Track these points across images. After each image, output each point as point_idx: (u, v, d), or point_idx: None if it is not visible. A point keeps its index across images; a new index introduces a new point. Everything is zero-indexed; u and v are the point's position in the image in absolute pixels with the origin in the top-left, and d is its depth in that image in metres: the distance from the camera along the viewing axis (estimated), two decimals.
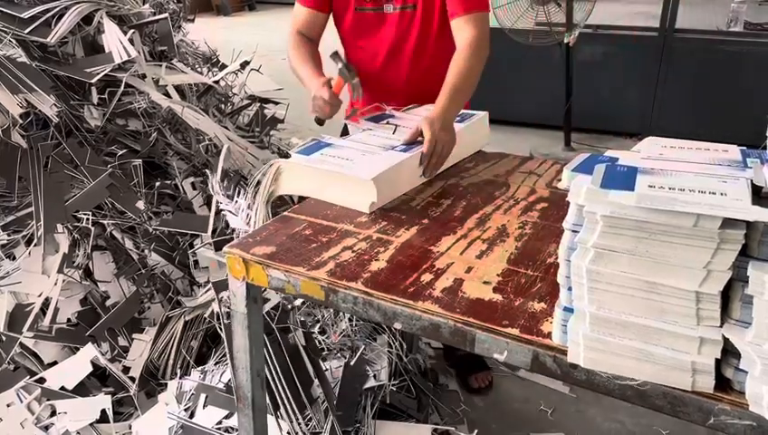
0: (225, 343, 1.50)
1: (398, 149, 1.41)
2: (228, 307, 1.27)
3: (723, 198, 0.69)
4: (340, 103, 1.60)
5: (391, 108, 1.73)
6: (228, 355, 1.49)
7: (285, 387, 1.51)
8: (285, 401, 1.51)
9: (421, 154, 1.40)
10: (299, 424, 1.51)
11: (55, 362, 1.77)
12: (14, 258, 1.82)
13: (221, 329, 1.61)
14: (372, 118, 1.63)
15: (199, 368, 1.76)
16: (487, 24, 1.65)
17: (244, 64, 2.82)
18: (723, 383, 0.75)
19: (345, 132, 1.73)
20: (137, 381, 1.78)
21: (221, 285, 1.68)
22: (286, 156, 1.43)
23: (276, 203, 1.42)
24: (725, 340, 0.72)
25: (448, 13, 1.65)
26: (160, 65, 2.35)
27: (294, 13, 1.81)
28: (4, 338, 1.73)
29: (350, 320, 1.83)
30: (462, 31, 1.61)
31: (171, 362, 1.86)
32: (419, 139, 1.43)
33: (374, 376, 1.72)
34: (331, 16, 1.80)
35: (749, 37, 4.18)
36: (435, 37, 1.73)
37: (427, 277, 1.03)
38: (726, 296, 0.72)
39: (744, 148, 0.86)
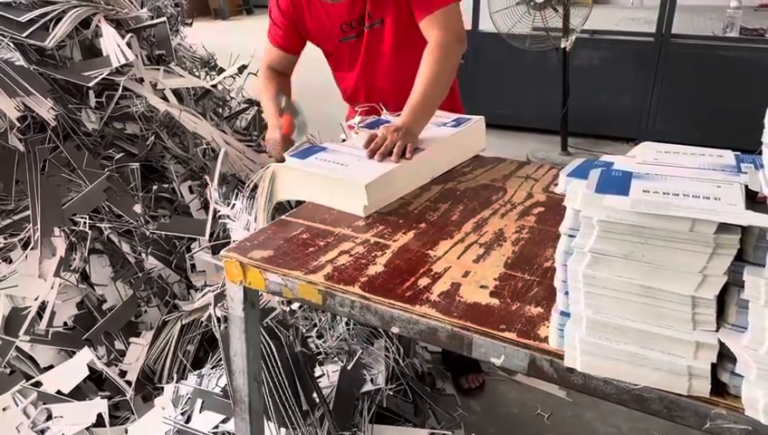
0: (222, 349, 1.50)
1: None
2: (225, 311, 1.27)
3: (717, 203, 0.69)
4: (292, 143, 1.60)
5: (388, 114, 1.73)
6: (224, 360, 1.49)
7: (282, 393, 1.51)
8: (282, 407, 1.51)
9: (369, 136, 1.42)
10: (294, 429, 1.50)
11: (52, 366, 1.76)
12: (10, 262, 1.82)
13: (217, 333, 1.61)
14: (368, 124, 1.63)
15: (196, 372, 1.75)
16: (455, 17, 1.59)
17: (242, 68, 2.83)
18: (719, 388, 0.76)
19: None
20: (133, 385, 1.78)
21: (219, 297, 1.68)
22: (283, 160, 1.43)
23: (274, 206, 1.42)
24: (721, 344, 0.72)
25: (415, 18, 1.62)
26: (158, 69, 2.35)
27: (265, 47, 1.83)
28: (0, 342, 1.72)
29: (347, 324, 1.83)
30: (428, 33, 1.58)
31: (168, 366, 1.85)
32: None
33: (371, 380, 1.72)
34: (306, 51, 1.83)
35: (745, 43, 4.20)
36: (413, 46, 1.67)
37: (424, 281, 1.03)
38: (722, 301, 0.72)
39: (739, 153, 0.87)
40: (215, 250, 1.97)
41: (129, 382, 1.79)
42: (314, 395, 1.56)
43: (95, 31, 2.17)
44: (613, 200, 0.71)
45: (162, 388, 1.76)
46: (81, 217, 1.86)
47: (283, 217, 1.31)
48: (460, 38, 1.59)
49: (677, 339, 0.74)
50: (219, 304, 1.67)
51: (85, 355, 1.74)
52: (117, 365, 1.81)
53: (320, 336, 1.81)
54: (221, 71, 3.01)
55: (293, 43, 1.79)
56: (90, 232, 1.85)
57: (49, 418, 1.68)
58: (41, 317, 1.76)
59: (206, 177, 2.02)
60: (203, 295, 1.90)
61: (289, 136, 1.62)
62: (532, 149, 4.35)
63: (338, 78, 1.92)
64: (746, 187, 0.74)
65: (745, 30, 4.31)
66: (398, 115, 1.71)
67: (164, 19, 2.47)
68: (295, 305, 1.76)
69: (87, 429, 1.67)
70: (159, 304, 1.94)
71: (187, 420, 1.60)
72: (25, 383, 1.71)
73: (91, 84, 1.99)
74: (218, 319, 1.67)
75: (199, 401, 1.62)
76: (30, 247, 1.80)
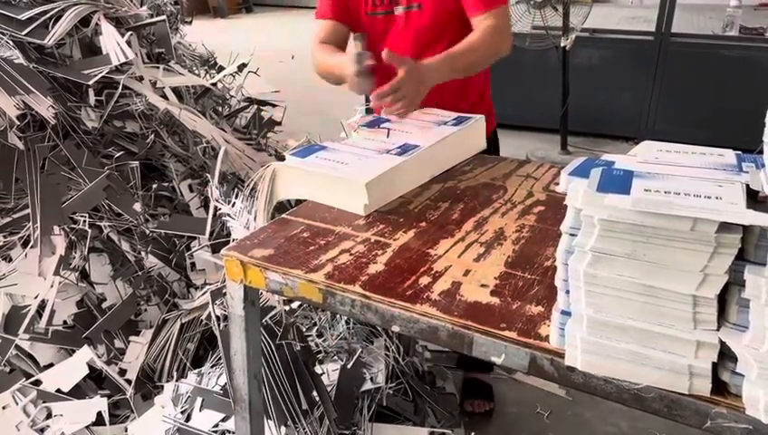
0: (221, 348, 1.50)
1: (394, 152, 1.41)
2: (225, 310, 1.27)
3: (718, 202, 0.69)
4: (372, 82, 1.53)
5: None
6: (224, 359, 1.49)
7: (282, 391, 1.51)
8: (282, 406, 1.51)
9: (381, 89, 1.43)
10: (296, 428, 1.50)
11: (51, 365, 1.76)
12: (10, 260, 1.82)
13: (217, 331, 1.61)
14: (367, 123, 1.63)
15: (196, 371, 1.75)
16: (507, 17, 1.63)
17: (242, 66, 2.83)
18: (719, 387, 0.76)
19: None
20: (133, 384, 1.78)
21: (217, 293, 1.68)
22: (282, 158, 1.43)
23: (274, 205, 1.42)
24: (722, 343, 0.72)
25: (466, 11, 1.62)
26: (158, 67, 2.35)
27: (314, 29, 1.76)
28: (0, 340, 1.72)
29: (347, 323, 1.83)
30: (485, 22, 1.59)
31: (168, 364, 1.85)
32: (414, 142, 1.44)
33: (371, 379, 1.72)
34: None
35: (744, 42, 4.20)
36: (446, 40, 1.65)
37: (424, 280, 1.03)
38: (723, 300, 0.72)
39: (740, 152, 0.86)
40: (214, 249, 1.97)
41: (128, 381, 1.79)
42: (314, 393, 1.56)
43: (95, 29, 2.17)
44: (614, 199, 0.71)
45: (162, 386, 1.77)
46: (81, 216, 1.86)
47: (283, 215, 1.31)
48: (506, 37, 1.61)
49: (678, 338, 0.74)
50: (218, 302, 1.67)
51: (85, 354, 1.74)
52: (117, 364, 1.81)
53: (320, 335, 1.81)
54: (221, 69, 3.01)
55: (342, 11, 1.72)
56: (89, 230, 1.84)
57: (49, 416, 1.68)
58: (40, 316, 1.76)
59: (207, 174, 2.02)
60: (203, 294, 1.90)
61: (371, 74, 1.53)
62: (531, 148, 4.34)
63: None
64: (747, 186, 0.74)
65: (745, 29, 4.32)
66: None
67: (163, 17, 2.47)
68: (295, 304, 1.76)
69: (87, 427, 1.67)
70: (159, 302, 1.94)
71: (187, 419, 1.60)
72: (25, 382, 1.71)
73: (90, 82, 1.99)
74: (218, 317, 1.67)
75: (199, 400, 1.62)
76: (30, 246, 1.80)
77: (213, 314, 1.65)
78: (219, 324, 1.65)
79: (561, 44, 3.92)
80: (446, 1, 1.64)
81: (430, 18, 1.66)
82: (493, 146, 1.83)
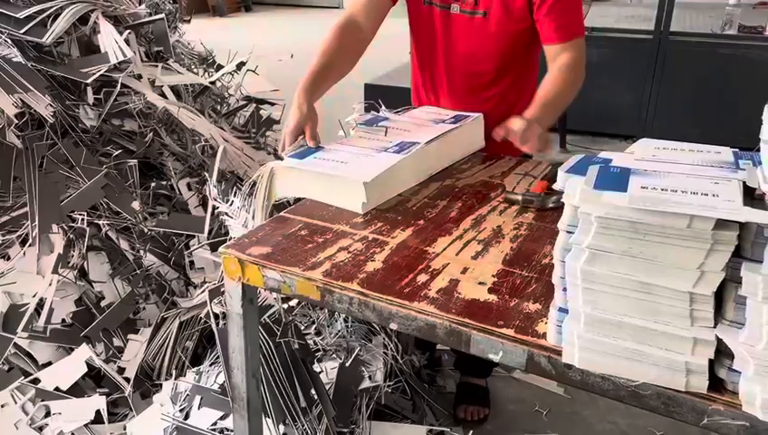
0: (219, 346, 1.50)
1: (392, 150, 1.41)
2: (224, 308, 1.27)
3: (715, 200, 0.69)
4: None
5: (386, 110, 1.72)
6: (222, 357, 1.49)
7: (280, 389, 1.51)
8: (281, 404, 1.51)
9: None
10: (294, 426, 1.50)
11: (50, 363, 1.76)
12: (8, 258, 1.81)
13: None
14: (365, 122, 1.63)
15: (194, 369, 1.75)
16: (583, 50, 1.54)
17: (241, 65, 2.82)
18: (716, 384, 0.76)
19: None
20: (131, 382, 1.78)
21: (216, 292, 1.68)
22: (281, 157, 1.43)
23: (272, 203, 1.42)
24: (719, 340, 0.72)
25: (541, 37, 1.53)
26: (156, 66, 2.35)
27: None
28: None
29: (345, 321, 1.83)
30: (558, 56, 1.52)
31: (166, 362, 1.85)
32: (411, 140, 1.44)
33: (369, 377, 1.72)
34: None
35: (743, 40, 4.20)
36: (508, 57, 1.59)
37: (422, 278, 1.03)
38: (720, 297, 0.72)
39: (737, 150, 0.87)
40: (213, 247, 1.96)
41: (127, 379, 1.78)
42: (312, 392, 1.56)
43: (93, 27, 2.16)
44: (611, 197, 0.72)
45: (161, 385, 1.77)
46: (80, 214, 1.85)
47: (281, 213, 1.31)
48: (583, 69, 1.54)
49: (675, 335, 0.74)
50: (217, 300, 1.67)
51: (83, 352, 1.74)
52: (115, 362, 1.81)
53: (318, 333, 1.81)
54: (219, 68, 3.00)
55: None
56: (88, 229, 1.84)
57: (47, 415, 1.68)
58: (39, 314, 1.75)
59: (206, 173, 2.02)
60: (201, 292, 1.90)
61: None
62: None
63: (412, 61, 1.74)
64: (744, 183, 0.74)
65: (744, 27, 4.32)
66: (398, 112, 1.71)
67: (162, 16, 2.46)
68: (293, 302, 1.76)
69: (85, 425, 1.67)
70: (158, 300, 1.94)
71: (186, 417, 1.60)
72: (24, 380, 1.71)
73: (89, 81, 1.98)
74: (216, 316, 1.67)
75: (198, 398, 1.62)
76: (28, 244, 1.80)
77: (211, 313, 1.65)
78: (218, 323, 1.65)
79: None
80: (516, 16, 1.53)
81: (498, 30, 1.56)
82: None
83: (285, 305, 1.70)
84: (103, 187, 1.90)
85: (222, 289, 1.50)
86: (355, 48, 1.57)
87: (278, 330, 1.55)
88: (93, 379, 1.80)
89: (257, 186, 1.37)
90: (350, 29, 1.56)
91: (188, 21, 3.59)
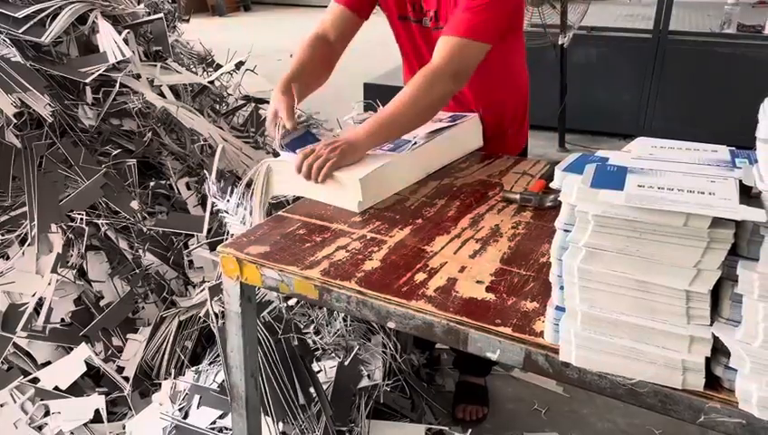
0: (219, 345, 1.50)
1: (386, 148, 1.41)
2: (223, 307, 1.27)
3: (711, 198, 0.69)
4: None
5: None
6: (221, 355, 1.49)
7: (279, 388, 1.52)
8: (279, 402, 1.51)
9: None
10: (293, 425, 1.51)
11: (49, 362, 1.76)
12: (7, 258, 1.82)
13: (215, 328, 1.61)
14: (365, 120, 1.63)
15: (193, 368, 1.75)
16: (468, 54, 1.40)
17: (239, 65, 2.82)
18: (713, 381, 0.76)
19: None
20: (131, 381, 1.78)
21: (215, 290, 1.68)
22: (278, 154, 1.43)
23: (270, 201, 1.42)
24: (715, 338, 0.72)
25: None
26: (155, 65, 2.35)
27: (327, 11, 1.59)
28: None
29: (344, 320, 1.83)
30: (435, 52, 1.41)
31: (165, 362, 1.86)
32: (407, 138, 1.44)
33: (368, 376, 1.72)
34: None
35: (742, 39, 4.20)
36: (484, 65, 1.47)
37: (420, 277, 1.04)
38: (716, 295, 0.73)
39: (734, 148, 0.87)
40: (212, 246, 1.97)
41: (126, 378, 1.79)
42: (311, 390, 1.56)
43: (92, 27, 2.16)
44: (608, 195, 0.72)
45: (160, 384, 1.77)
46: (78, 214, 1.85)
47: (279, 212, 1.31)
48: (457, 76, 1.40)
49: (672, 333, 0.74)
50: (216, 299, 1.67)
51: (82, 351, 1.74)
52: (114, 361, 1.81)
53: (317, 332, 1.82)
54: (218, 67, 3.00)
55: (360, 1, 1.56)
56: (87, 228, 1.84)
57: (47, 414, 1.68)
58: (38, 313, 1.76)
59: (205, 172, 2.02)
60: (200, 291, 1.90)
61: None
62: (529, 146, 4.34)
63: (403, 68, 1.73)
64: (741, 181, 0.74)
65: (743, 26, 4.32)
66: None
67: (161, 15, 2.47)
68: (293, 301, 1.76)
69: (84, 425, 1.67)
70: (157, 300, 1.94)
71: (185, 416, 1.60)
72: (23, 380, 1.71)
73: (87, 80, 1.99)
74: (216, 315, 1.68)
75: (197, 397, 1.62)
76: (27, 244, 1.80)
77: (211, 312, 1.65)
78: (217, 322, 1.65)
79: (559, 42, 3.91)
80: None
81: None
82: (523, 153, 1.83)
83: (285, 305, 1.70)
84: (102, 186, 1.90)
85: (221, 287, 1.50)
86: (326, 59, 1.56)
87: (279, 328, 1.55)
88: (92, 378, 1.80)
89: (254, 183, 1.37)
90: (319, 43, 1.55)
91: (187, 20, 3.59)
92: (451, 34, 1.39)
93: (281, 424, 1.51)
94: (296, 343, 1.60)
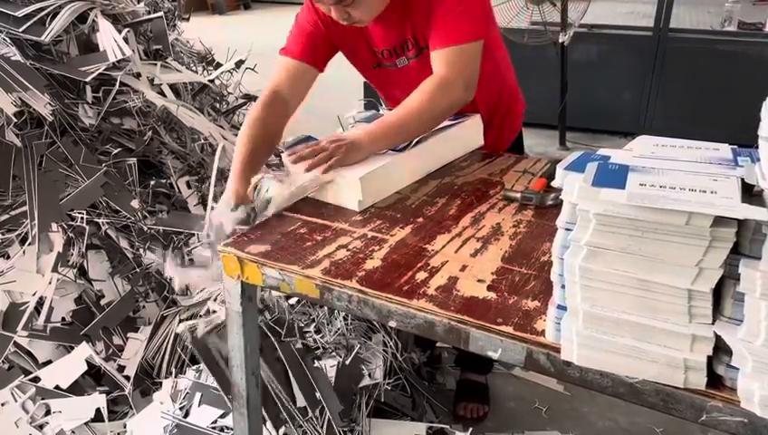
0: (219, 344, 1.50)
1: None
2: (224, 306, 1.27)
3: (713, 197, 0.69)
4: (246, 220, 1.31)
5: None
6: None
7: (279, 387, 1.52)
8: (282, 404, 1.51)
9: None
10: (293, 424, 1.51)
11: (50, 362, 1.76)
12: (8, 257, 1.82)
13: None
14: (364, 118, 1.63)
15: (194, 367, 1.75)
16: (468, 58, 1.40)
17: (240, 63, 2.83)
18: (714, 380, 0.76)
19: None
20: (131, 380, 1.78)
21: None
22: (278, 155, 1.42)
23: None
24: (717, 337, 0.72)
25: (429, 46, 1.43)
26: (155, 64, 2.35)
27: (276, 68, 1.53)
28: None
29: (344, 319, 1.83)
30: (435, 67, 1.40)
31: (166, 360, 1.86)
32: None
33: (369, 375, 1.72)
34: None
35: (743, 37, 4.21)
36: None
37: (421, 275, 1.03)
38: (718, 294, 0.72)
39: (736, 146, 0.87)
40: None
41: (127, 377, 1.79)
42: (314, 388, 1.56)
43: (92, 26, 2.16)
44: (610, 194, 0.71)
45: (161, 383, 1.77)
46: (79, 213, 1.85)
47: (280, 211, 1.31)
48: (467, 84, 1.39)
49: (674, 332, 0.74)
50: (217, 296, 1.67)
51: (83, 350, 1.75)
52: (115, 360, 1.81)
53: (318, 331, 1.81)
54: (218, 66, 3.00)
55: (319, 51, 1.52)
56: (87, 227, 1.84)
57: (47, 413, 1.68)
58: (39, 313, 1.76)
59: (206, 171, 2.02)
60: (201, 290, 1.90)
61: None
62: (529, 144, 4.31)
63: (393, 98, 1.67)
64: (743, 180, 0.74)
65: (743, 24, 4.32)
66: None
67: (161, 14, 2.47)
68: (293, 300, 1.76)
69: (85, 424, 1.67)
70: (158, 299, 1.94)
71: (186, 415, 1.60)
72: (24, 379, 1.71)
73: (87, 79, 1.98)
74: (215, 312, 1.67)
75: (198, 396, 1.62)
76: (27, 243, 1.80)
77: (211, 311, 1.65)
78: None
79: (560, 40, 3.91)
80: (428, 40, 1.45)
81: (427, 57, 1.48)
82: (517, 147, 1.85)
83: (286, 304, 1.70)
84: (102, 185, 1.90)
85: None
86: (277, 125, 1.50)
87: (281, 330, 1.55)
88: (93, 377, 1.80)
89: (255, 202, 1.32)
90: (274, 106, 1.49)
91: (187, 19, 3.59)
92: (446, 45, 1.39)
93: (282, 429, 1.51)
94: (299, 345, 1.60)
